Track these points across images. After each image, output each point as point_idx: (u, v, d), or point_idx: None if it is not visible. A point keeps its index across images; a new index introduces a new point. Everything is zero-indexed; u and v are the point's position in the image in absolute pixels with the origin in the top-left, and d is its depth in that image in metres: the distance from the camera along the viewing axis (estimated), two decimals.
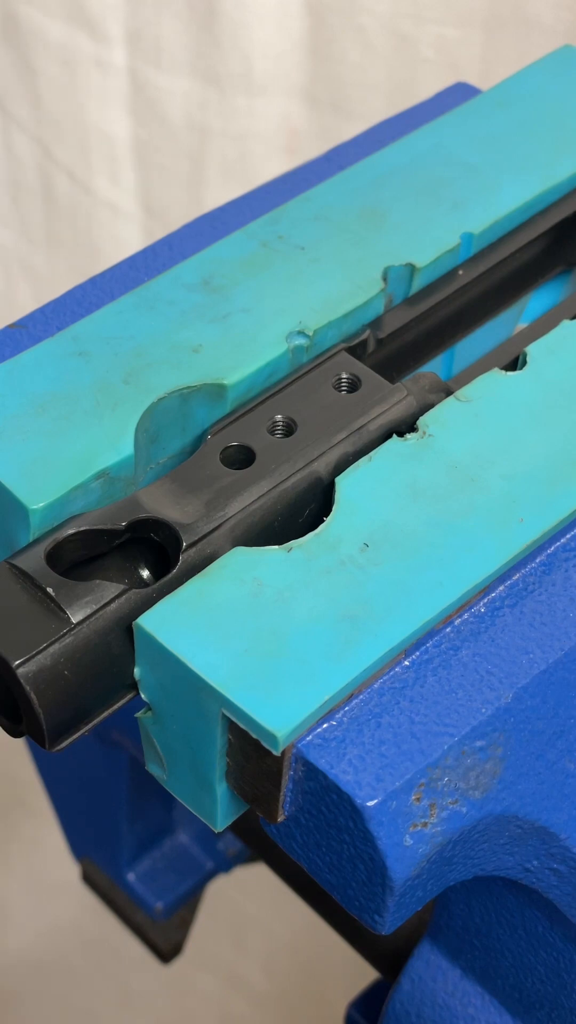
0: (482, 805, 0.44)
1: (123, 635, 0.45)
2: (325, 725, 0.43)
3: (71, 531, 0.46)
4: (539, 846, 0.48)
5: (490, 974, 0.58)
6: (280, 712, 0.42)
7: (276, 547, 0.46)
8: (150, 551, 0.48)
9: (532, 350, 0.52)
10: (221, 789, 0.46)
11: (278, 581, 0.45)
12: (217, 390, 0.51)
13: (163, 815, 0.88)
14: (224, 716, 0.43)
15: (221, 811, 0.46)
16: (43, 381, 0.51)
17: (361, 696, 0.44)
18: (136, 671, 0.45)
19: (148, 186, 1.15)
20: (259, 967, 1.48)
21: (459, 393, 0.51)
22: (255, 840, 0.78)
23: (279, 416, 0.50)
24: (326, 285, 0.54)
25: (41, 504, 0.47)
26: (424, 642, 0.45)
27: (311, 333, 0.53)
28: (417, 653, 0.45)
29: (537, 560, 0.48)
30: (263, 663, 0.43)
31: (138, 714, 0.46)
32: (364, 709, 0.44)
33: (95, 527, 0.47)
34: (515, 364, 0.53)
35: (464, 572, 0.46)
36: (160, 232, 1.12)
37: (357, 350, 0.54)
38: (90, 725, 0.46)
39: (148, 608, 0.45)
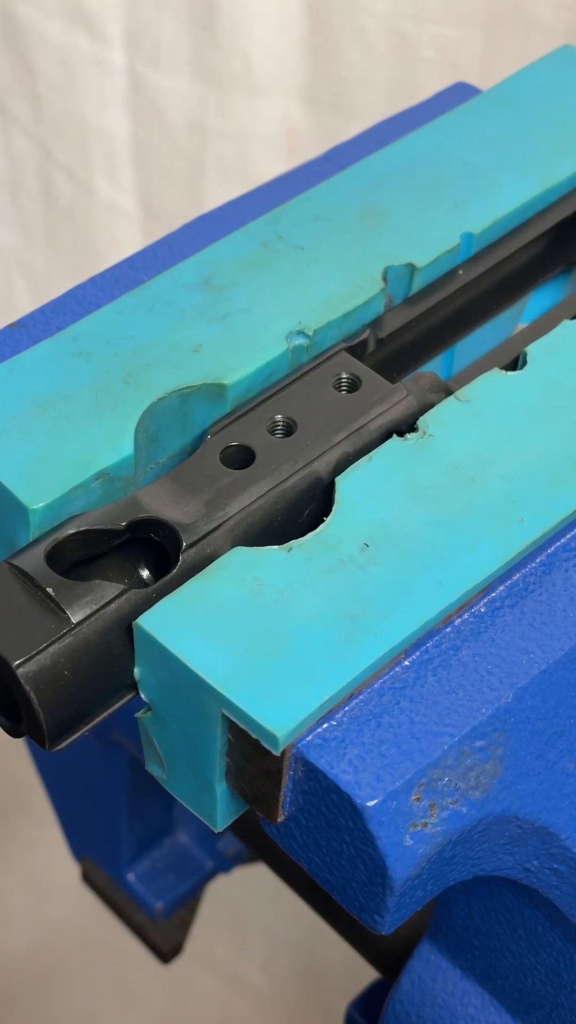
0: (482, 805, 0.44)
1: (123, 635, 0.45)
2: (325, 725, 0.43)
3: (71, 531, 0.46)
4: (539, 846, 0.48)
5: (490, 974, 0.58)
6: (280, 712, 0.42)
7: (276, 547, 0.46)
8: (150, 551, 0.48)
9: (532, 350, 0.52)
10: (221, 789, 0.45)
11: (278, 581, 0.45)
12: (217, 390, 0.51)
13: (163, 815, 0.88)
14: (224, 716, 0.43)
15: (221, 811, 0.46)
16: (43, 381, 0.51)
17: (361, 696, 0.44)
18: (136, 671, 0.45)
19: (148, 186, 1.15)
20: (259, 967, 1.48)
21: (459, 393, 0.51)
22: (255, 840, 0.78)
23: (279, 416, 0.50)
24: (326, 285, 0.54)
25: (41, 504, 0.47)
26: (424, 642, 0.45)
27: (311, 333, 0.53)
28: (417, 653, 0.45)
29: (537, 560, 0.48)
30: (263, 663, 0.43)
31: (138, 714, 0.46)
32: (364, 709, 0.44)
33: (95, 527, 0.47)
34: (515, 364, 0.53)
35: (464, 572, 0.46)
36: (160, 232, 1.12)
37: (357, 350, 0.54)
38: (90, 725, 0.46)
39: (148, 608, 0.45)
